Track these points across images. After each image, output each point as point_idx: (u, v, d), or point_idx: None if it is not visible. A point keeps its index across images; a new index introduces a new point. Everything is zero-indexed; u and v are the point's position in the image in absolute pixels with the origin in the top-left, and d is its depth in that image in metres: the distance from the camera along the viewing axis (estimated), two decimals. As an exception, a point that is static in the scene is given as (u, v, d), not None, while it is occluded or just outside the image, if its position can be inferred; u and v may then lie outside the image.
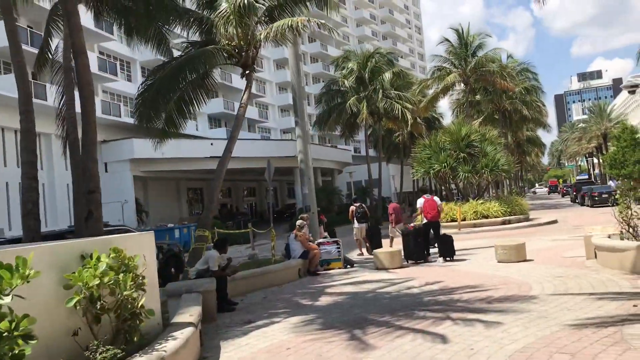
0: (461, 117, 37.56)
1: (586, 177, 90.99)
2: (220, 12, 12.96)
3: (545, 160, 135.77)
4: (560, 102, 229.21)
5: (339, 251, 12.69)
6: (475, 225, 24.19)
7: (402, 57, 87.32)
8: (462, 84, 39.48)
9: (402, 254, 12.80)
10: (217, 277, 8.71)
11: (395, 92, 37.79)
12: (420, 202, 13.45)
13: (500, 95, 42.23)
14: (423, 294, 8.67)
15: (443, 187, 47.34)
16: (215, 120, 51.54)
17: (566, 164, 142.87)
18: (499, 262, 11.43)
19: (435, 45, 38.86)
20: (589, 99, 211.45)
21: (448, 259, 12.84)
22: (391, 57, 40.39)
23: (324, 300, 9.01)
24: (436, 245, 13.31)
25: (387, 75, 37.01)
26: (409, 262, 12.76)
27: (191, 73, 12.59)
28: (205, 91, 13.85)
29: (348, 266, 12.85)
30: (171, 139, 14.32)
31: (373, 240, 15.02)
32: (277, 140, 51.97)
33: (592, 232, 10.71)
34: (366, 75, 37.47)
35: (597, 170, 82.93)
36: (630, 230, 9.57)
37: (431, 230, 13.35)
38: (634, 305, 6.54)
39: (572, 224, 23.71)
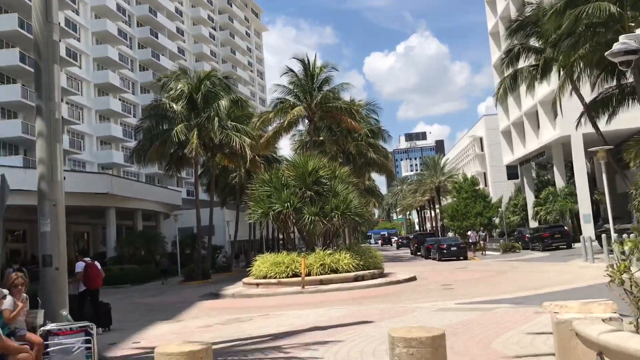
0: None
1: (417, 230, 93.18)
2: None
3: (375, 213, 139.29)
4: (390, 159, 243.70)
5: (88, 348, 6.40)
6: (322, 282, 19.17)
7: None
8: (307, 121, 35.50)
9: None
10: None
11: (233, 123, 32.30)
12: (80, 266, 12.15)
13: (346, 136, 39.02)
14: None
15: (282, 234, 42.41)
16: (10, 147, 41.51)
17: (395, 217, 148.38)
18: (395, 369, 6.06)
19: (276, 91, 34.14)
20: (415, 157, 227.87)
21: (106, 329, 11.82)
22: (229, 83, 34.95)
23: None
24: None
25: (224, 103, 31.40)
26: None
27: None
28: None
29: (107, 376, 6.63)
30: None
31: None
32: (86, 173, 43.10)
33: (564, 313, 5.84)
34: (199, 99, 31.49)
35: (428, 224, 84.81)
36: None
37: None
38: None
39: (434, 280, 19.82)
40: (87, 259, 12.69)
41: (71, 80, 47.59)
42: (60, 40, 8.27)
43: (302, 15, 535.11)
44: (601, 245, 20.94)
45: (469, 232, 36.51)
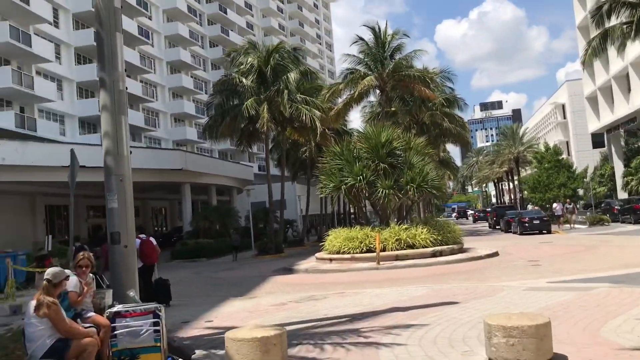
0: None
1: (493, 202, 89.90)
2: None
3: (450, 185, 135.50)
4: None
5: (156, 331, 6.07)
6: (398, 258, 18.45)
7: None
8: (378, 91, 34.38)
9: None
10: None
11: (302, 96, 31.76)
12: (136, 243, 10.83)
13: (419, 106, 37.58)
14: None
15: (355, 208, 41.77)
16: (88, 125, 43.12)
17: (470, 190, 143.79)
18: (492, 361, 5.30)
19: (345, 61, 33.11)
20: (491, 127, 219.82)
21: (164, 305, 10.11)
22: (297, 55, 34.32)
23: None
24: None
25: (293, 75, 30.87)
26: None
27: None
28: None
29: (178, 360, 6.27)
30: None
31: None
32: (161, 149, 44.15)
33: None
34: (268, 72, 31.11)
35: (506, 196, 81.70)
36: None
37: None
38: None
39: (519, 256, 18.60)
40: (143, 235, 12.63)
41: (144, 58, 48.60)
42: (121, 7, 7.85)
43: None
44: None
45: (555, 205, 34.38)
